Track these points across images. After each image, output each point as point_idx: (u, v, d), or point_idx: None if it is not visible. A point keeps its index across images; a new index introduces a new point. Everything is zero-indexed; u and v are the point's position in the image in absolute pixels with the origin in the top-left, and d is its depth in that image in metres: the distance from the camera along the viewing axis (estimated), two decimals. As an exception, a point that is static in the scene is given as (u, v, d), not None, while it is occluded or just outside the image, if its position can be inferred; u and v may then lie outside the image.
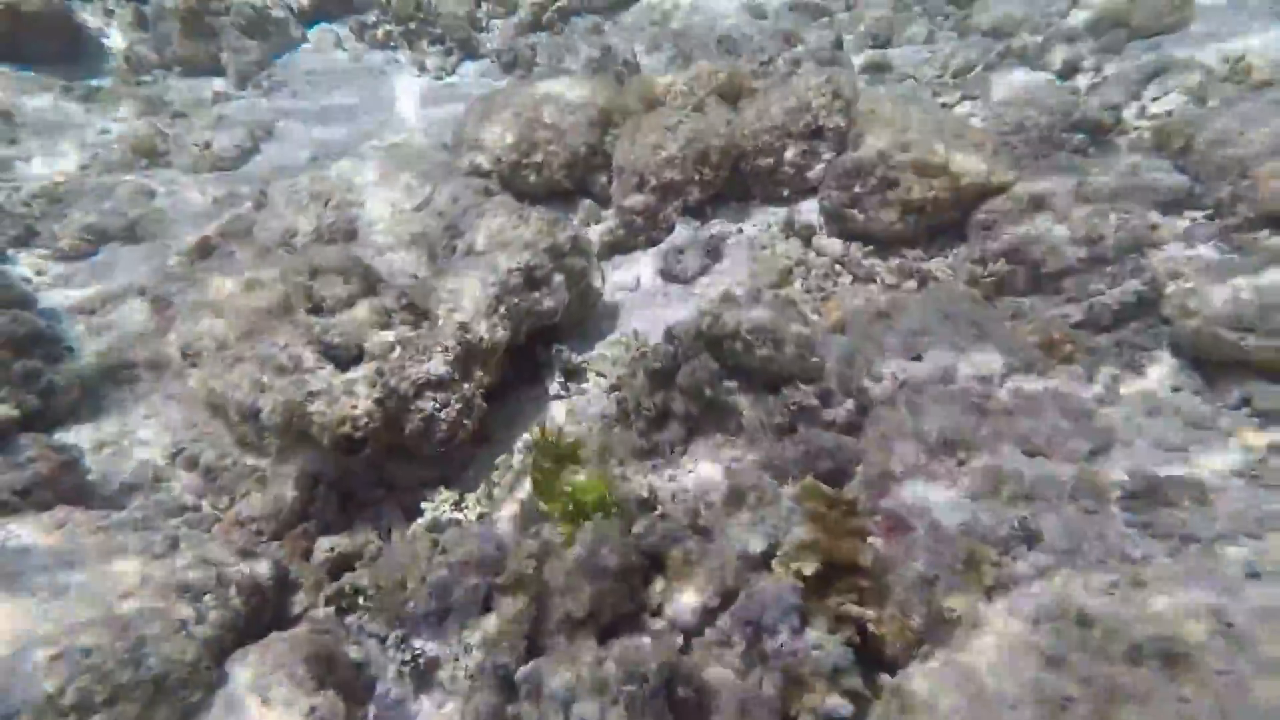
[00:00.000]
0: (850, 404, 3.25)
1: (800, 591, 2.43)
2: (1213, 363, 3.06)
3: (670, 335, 3.42)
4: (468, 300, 3.12)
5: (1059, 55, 4.67)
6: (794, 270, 4.20)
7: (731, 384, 3.54)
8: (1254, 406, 2.90)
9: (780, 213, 4.35)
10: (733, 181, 4.33)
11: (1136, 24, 4.65)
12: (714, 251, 4.20)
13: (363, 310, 3.23)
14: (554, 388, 3.72)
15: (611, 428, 3.48)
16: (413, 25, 6.41)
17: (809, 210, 4.31)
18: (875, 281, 4.08)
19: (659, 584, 2.90)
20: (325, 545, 3.29)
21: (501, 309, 3.18)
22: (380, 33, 6.42)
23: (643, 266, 4.28)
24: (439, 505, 3.29)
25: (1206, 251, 3.39)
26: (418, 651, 2.51)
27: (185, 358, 2.94)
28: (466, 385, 3.13)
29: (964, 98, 4.80)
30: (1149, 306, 3.35)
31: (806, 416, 3.29)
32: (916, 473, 3.00)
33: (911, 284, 4.01)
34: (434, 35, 6.34)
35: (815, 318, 3.95)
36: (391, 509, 3.35)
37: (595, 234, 4.43)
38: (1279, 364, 2.87)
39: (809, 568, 2.44)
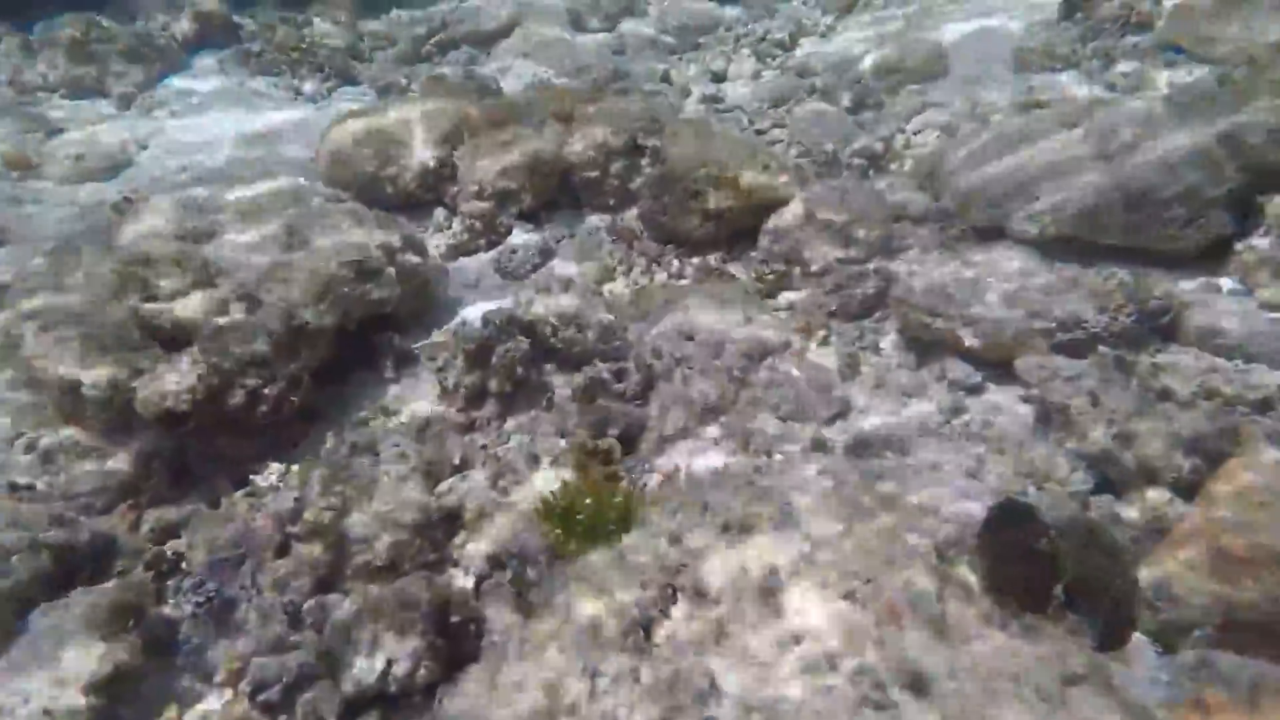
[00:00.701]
0: (638, 378, 3.76)
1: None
2: (923, 342, 3.73)
3: (485, 320, 3.85)
4: (297, 290, 3.46)
5: (848, 94, 5.47)
6: (617, 269, 4.74)
7: (549, 365, 4.06)
8: (948, 377, 3.56)
9: (608, 219, 4.90)
10: (565, 192, 4.85)
11: (908, 70, 5.51)
12: (546, 252, 4.68)
13: (195, 298, 3.51)
14: (387, 372, 4.08)
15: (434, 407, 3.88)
16: (295, 55, 6.73)
17: (631, 217, 4.87)
18: (684, 278, 4.67)
19: (460, 536, 3.30)
20: (154, 516, 3.50)
21: (330, 297, 3.53)
22: (263, 61, 6.71)
23: (481, 265, 4.73)
24: (266, 477, 3.57)
25: (931, 255, 4.11)
26: (211, 593, 2.77)
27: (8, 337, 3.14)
28: (292, 365, 3.44)
29: (774, 125, 5.52)
30: (885, 299, 4.03)
31: (603, 389, 3.78)
32: (686, 434, 3.52)
33: (714, 280, 4.60)
34: (314, 64, 6.68)
35: (631, 309, 4.48)
36: (221, 482, 3.59)
37: (445, 238, 4.85)
38: (958, 341, 3.55)
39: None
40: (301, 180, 4.58)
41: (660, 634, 1.86)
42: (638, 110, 4.71)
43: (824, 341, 3.96)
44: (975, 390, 3.53)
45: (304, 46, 6.72)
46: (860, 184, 4.59)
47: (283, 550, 2.89)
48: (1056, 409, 3.10)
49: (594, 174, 4.74)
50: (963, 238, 4.14)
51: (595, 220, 4.99)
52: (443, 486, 3.35)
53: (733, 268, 4.64)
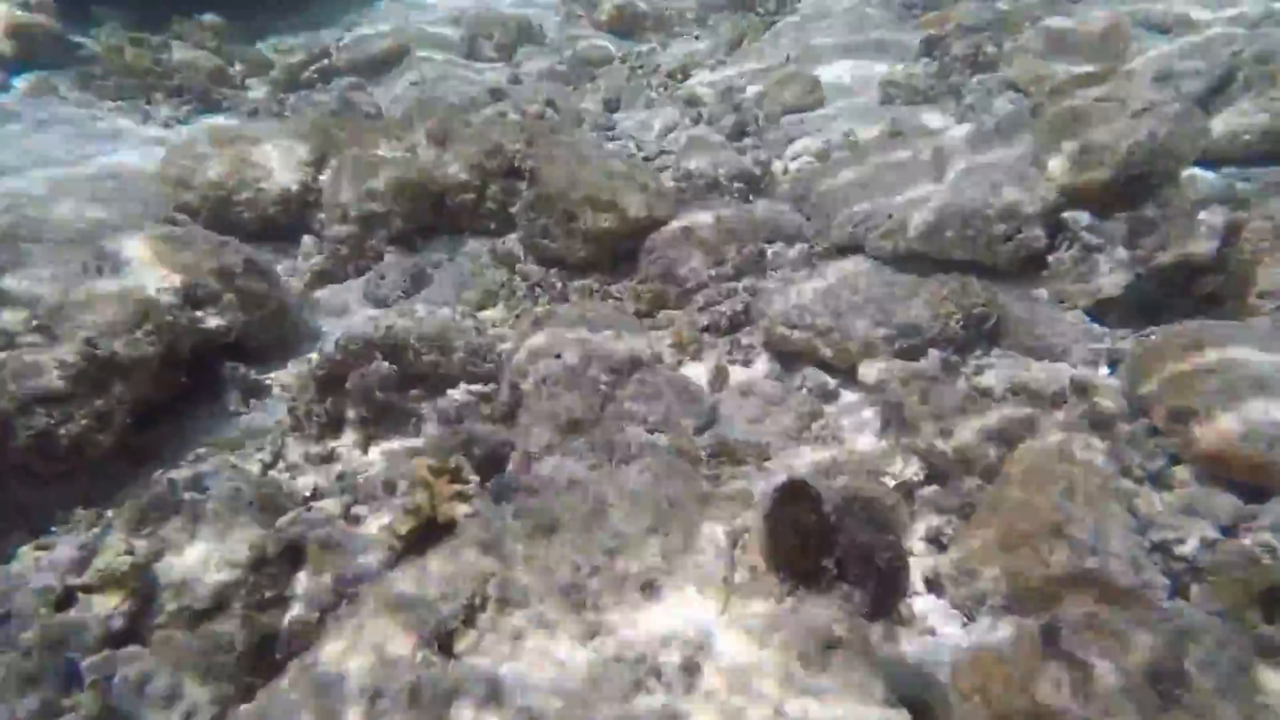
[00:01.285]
0: (506, 398, 3.58)
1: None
2: (786, 353, 3.74)
3: (337, 344, 3.59)
4: (101, 317, 3.11)
5: (730, 120, 5.59)
6: (498, 293, 4.58)
7: (415, 390, 3.83)
8: (807, 385, 3.58)
9: (488, 244, 4.74)
10: (444, 217, 4.67)
11: (787, 101, 5.71)
12: (418, 277, 4.47)
13: None
14: (233, 404, 3.72)
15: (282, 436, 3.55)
16: (149, 79, 6.30)
17: (512, 241, 4.74)
18: (567, 301, 4.55)
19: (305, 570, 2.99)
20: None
21: (147, 325, 3.19)
22: (110, 84, 6.24)
23: (350, 293, 4.45)
24: (73, 525, 3.13)
25: (797, 273, 4.17)
26: None
27: None
28: (99, 401, 3.07)
29: (660, 152, 5.56)
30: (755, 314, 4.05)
31: (469, 411, 3.57)
32: (552, 450, 3.35)
33: (594, 302, 4.50)
34: (170, 88, 6.28)
35: (510, 330, 4.31)
36: (16, 535, 3.12)
37: (311, 265, 4.56)
38: (815, 351, 3.58)
39: (404, 528, 2.64)
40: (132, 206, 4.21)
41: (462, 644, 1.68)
42: (514, 132, 4.62)
43: (695, 356, 3.91)
44: (831, 396, 3.56)
45: (159, 70, 6.30)
46: (735, 206, 4.63)
47: (64, 604, 2.50)
48: (894, 409, 3.16)
49: (470, 197, 4.59)
50: (827, 255, 4.23)
51: (475, 245, 4.83)
52: (284, 520, 3.03)
53: (615, 289, 4.57)
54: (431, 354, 3.62)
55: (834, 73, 6.02)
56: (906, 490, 3.06)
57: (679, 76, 6.64)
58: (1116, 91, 3.50)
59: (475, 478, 2.91)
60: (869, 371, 3.40)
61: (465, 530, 2.02)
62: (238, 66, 6.94)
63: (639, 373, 3.66)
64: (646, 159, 5.56)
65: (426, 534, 2.77)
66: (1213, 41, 4.25)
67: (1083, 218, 3.54)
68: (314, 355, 4.04)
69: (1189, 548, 2.59)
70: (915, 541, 2.91)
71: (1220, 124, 3.84)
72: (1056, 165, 3.60)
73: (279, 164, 4.55)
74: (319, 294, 4.51)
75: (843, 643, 1.61)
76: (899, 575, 1.91)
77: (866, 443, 3.36)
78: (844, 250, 4.21)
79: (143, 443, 3.51)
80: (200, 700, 2.22)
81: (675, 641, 1.62)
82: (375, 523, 3.13)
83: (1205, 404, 2.76)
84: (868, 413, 3.49)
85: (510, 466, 3.36)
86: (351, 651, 1.72)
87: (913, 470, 3.12)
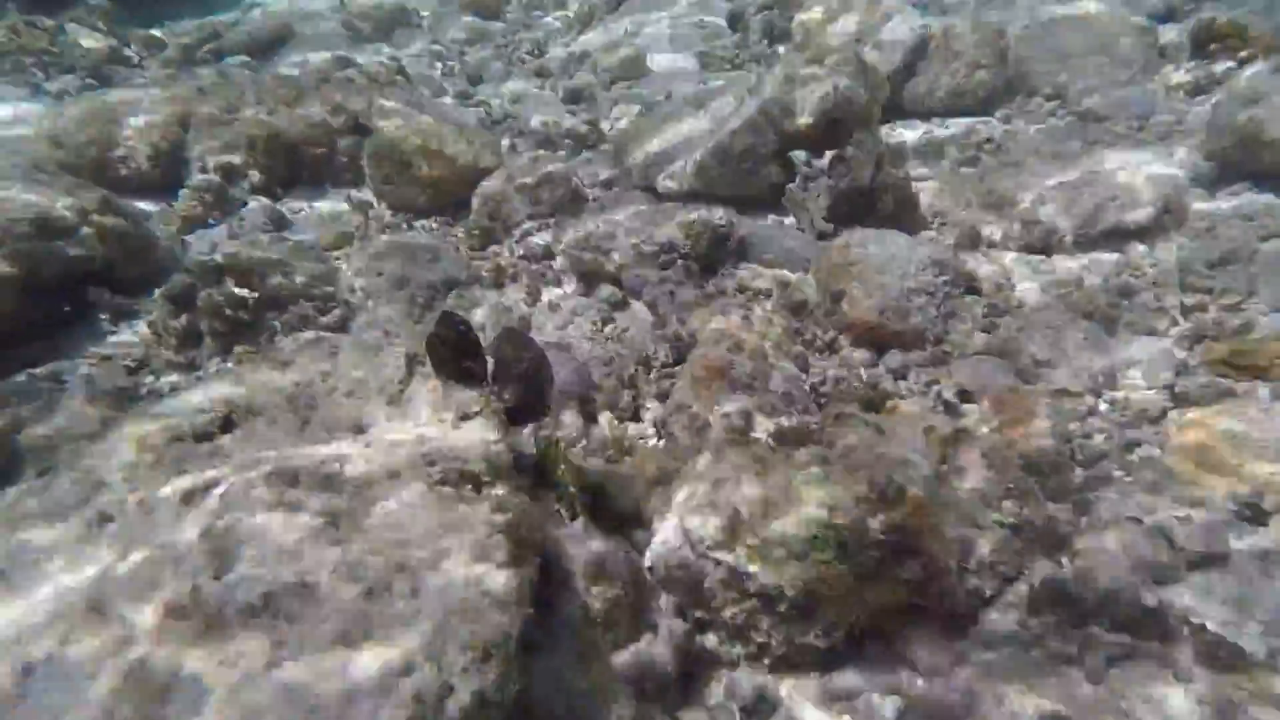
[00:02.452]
0: (339, 312, 4.26)
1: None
2: (586, 274, 4.52)
3: (186, 269, 4.21)
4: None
5: (566, 84, 6.34)
6: (354, 234, 5.23)
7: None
8: (601, 298, 4.37)
9: (344, 193, 5.38)
10: (300, 171, 5.29)
11: (618, 70, 6.48)
12: (278, 221, 5.08)
13: None
14: (104, 326, 4.30)
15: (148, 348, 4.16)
16: (45, 58, 6.66)
17: (366, 191, 5.39)
18: (413, 241, 5.23)
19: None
20: None
21: (5, 250, 3.76)
22: (5, 62, 6.57)
23: (217, 236, 5.04)
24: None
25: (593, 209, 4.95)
26: None
27: None
28: (-42, 318, 3.63)
29: (505, 116, 6.26)
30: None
31: (308, 323, 4.24)
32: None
33: (436, 242, 5.20)
34: (63, 66, 6.65)
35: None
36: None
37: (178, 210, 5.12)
38: (598, 268, 4.38)
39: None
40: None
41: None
42: (357, 93, 5.25)
43: (513, 279, 4.66)
44: (620, 306, 4.35)
45: (54, 50, 6.67)
46: (553, 156, 5.38)
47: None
48: (649, 305, 3.98)
49: (320, 150, 5.21)
50: (625, 195, 5.03)
51: (333, 195, 5.46)
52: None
53: (456, 230, 5.27)
54: (275, 277, 4.26)
55: (661, 46, 6.81)
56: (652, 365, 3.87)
57: (535, 53, 7.33)
58: (821, 58, 4.37)
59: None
60: (627, 278, 4.22)
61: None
62: (134, 48, 7.30)
63: (456, 289, 4.40)
64: (495, 121, 6.25)
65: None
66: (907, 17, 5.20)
67: (801, 155, 4.41)
68: (176, 283, 4.64)
69: (827, 386, 3.48)
70: (651, 400, 3.74)
71: (921, 85, 4.76)
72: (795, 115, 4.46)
73: (146, 125, 5.08)
74: (190, 237, 5.07)
75: (477, 414, 2.32)
76: (540, 380, 2.62)
77: (635, 333, 4.16)
78: (643, 190, 5.02)
79: (19, 354, 4.06)
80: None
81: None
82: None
83: (848, 287, 3.66)
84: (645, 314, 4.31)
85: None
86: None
87: (663, 354, 3.95)
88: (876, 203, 4.16)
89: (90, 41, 7.13)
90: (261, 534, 1.60)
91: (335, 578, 1.53)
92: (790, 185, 4.54)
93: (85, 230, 4.07)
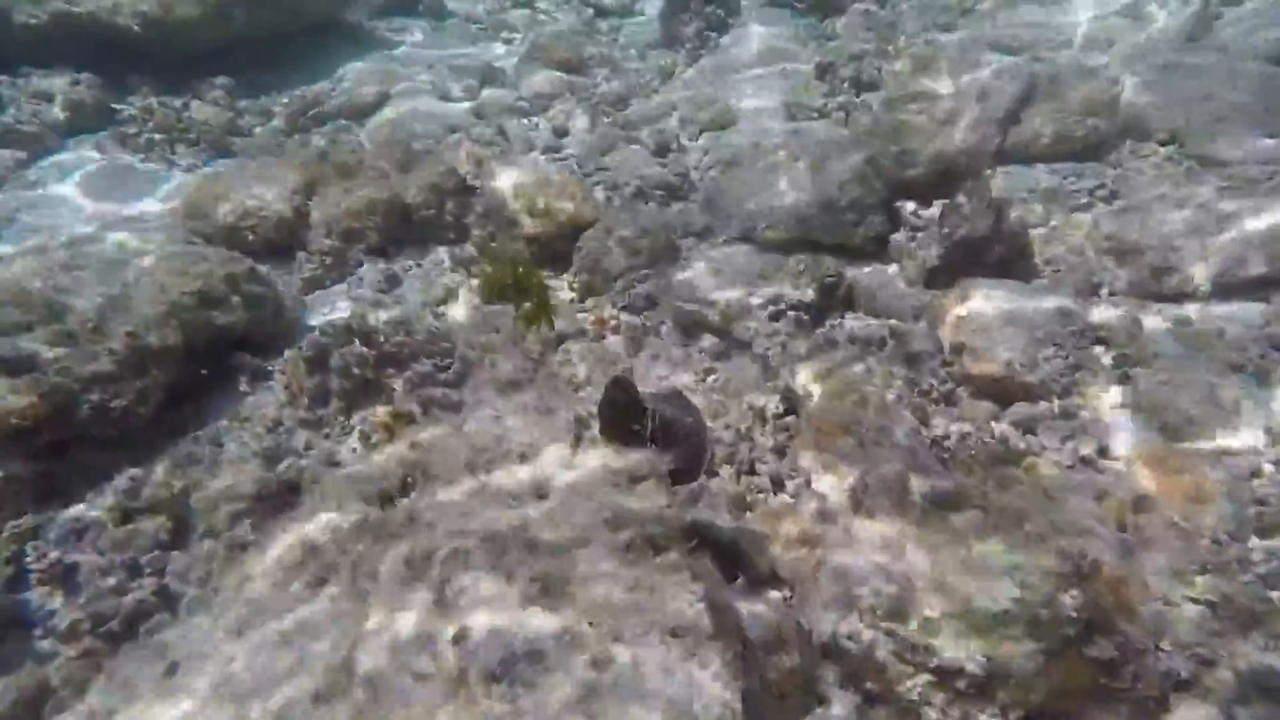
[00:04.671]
0: (457, 368, 4.54)
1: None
2: (686, 325, 4.68)
3: (321, 330, 4.57)
4: (138, 316, 4.12)
5: (654, 139, 6.63)
6: (459, 290, 5.58)
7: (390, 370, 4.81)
8: (703, 348, 4.52)
9: (450, 250, 5.76)
10: (409, 229, 5.70)
11: (704, 121, 6.75)
12: (393, 279, 5.47)
13: (40, 331, 4.09)
14: (242, 386, 4.70)
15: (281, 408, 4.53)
16: (174, 133, 7.43)
17: (470, 247, 5.75)
18: (517, 296, 5.54)
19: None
20: (12, 524, 3.95)
21: (174, 322, 4.20)
22: (142, 140, 7.36)
23: (337, 296, 5.46)
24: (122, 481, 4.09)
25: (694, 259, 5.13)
26: (54, 560, 3.30)
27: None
28: (139, 381, 4.05)
29: (597, 169, 6.59)
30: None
31: (428, 380, 4.53)
32: (488, 403, 4.32)
33: (538, 296, 5.49)
34: (190, 140, 7.39)
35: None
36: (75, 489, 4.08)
37: (301, 274, 5.58)
38: (705, 320, 4.53)
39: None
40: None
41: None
42: (466, 154, 5.66)
43: (615, 330, 4.87)
44: (722, 356, 4.49)
45: (181, 125, 7.43)
46: (650, 208, 5.63)
47: (125, 520, 3.46)
48: (762, 359, 4.09)
49: (431, 212, 5.61)
50: (725, 244, 5.21)
51: (440, 252, 5.84)
52: (283, 465, 3.99)
53: (553, 283, 5.56)
54: (400, 335, 4.59)
55: (747, 96, 7.06)
56: (766, 417, 3.97)
57: (618, 105, 7.70)
58: (929, 107, 4.48)
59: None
60: (740, 330, 4.36)
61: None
62: (246, 119, 8.06)
63: (566, 343, 4.64)
64: (586, 175, 6.58)
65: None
66: (1020, 62, 5.24)
67: (908, 206, 4.50)
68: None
69: (951, 441, 3.50)
70: (768, 455, 3.82)
71: (1027, 130, 4.81)
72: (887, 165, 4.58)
73: (274, 196, 5.59)
74: (310, 298, 5.51)
75: (645, 478, 2.49)
76: (699, 441, 2.79)
77: (744, 389, 4.28)
78: (741, 240, 5.20)
79: (173, 419, 4.48)
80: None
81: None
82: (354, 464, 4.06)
83: (968, 339, 3.69)
84: (752, 367, 4.42)
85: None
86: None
87: (773, 406, 4.05)
88: (989, 252, 4.19)
89: (209, 114, 7.90)
90: (485, 600, 1.76)
91: (559, 646, 1.67)
92: (895, 235, 4.62)
93: (235, 298, 4.50)
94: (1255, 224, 3.64)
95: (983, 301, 3.71)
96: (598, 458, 2.42)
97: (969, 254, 4.25)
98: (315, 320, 5.36)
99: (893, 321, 4.17)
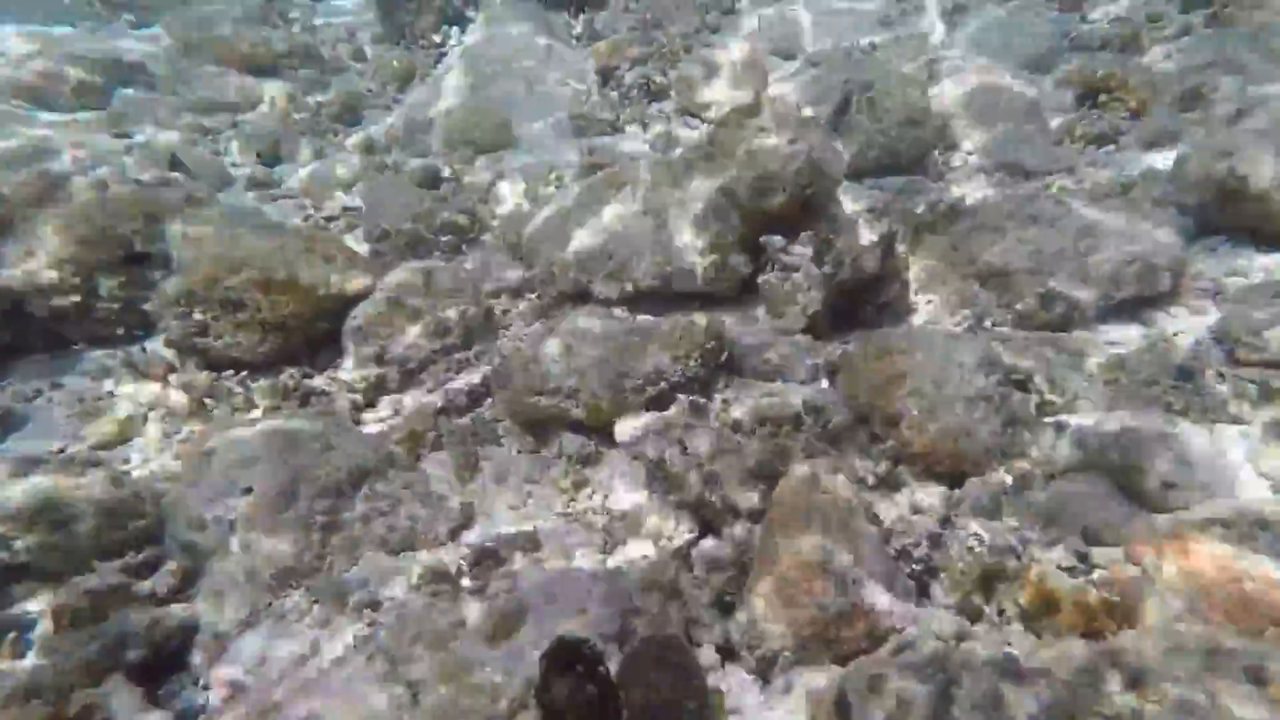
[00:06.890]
0: (175, 564, 2.75)
1: None
2: (535, 422, 3.51)
3: None
4: None
5: (420, 170, 5.19)
6: (146, 417, 3.58)
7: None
8: (564, 452, 3.38)
9: (117, 354, 3.69)
10: (25, 331, 3.50)
11: (477, 141, 5.50)
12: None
13: None
14: None
15: None
16: None
17: (160, 345, 3.76)
18: (257, 408, 3.74)
19: None
20: None
21: None
22: None
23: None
24: None
25: (531, 330, 3.96)
26: None
27: None
28: None
29: (343, 209, 4.93)
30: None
31: (116, 598, 2.67)
32: (255, 620, 2.66)
33: (293, 403, 3.77)
34: None
35: (175, 464, 3.40)
36: None
37: None
38: (564, 416, 3.42)
39: None
40: None
41: None
42: (127, 209, 3.67)
43: (436, 446, 3.47)
44: (591, 461, 3.40)
45: None
46: (447, 263, 4.26)
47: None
48: (655, 465, 3.11)
49: (71, 300, 3.52)
50: (556, 305, 4.09)
51: (99, 358, 3.72)
52: None
53: (319, 381, 3.88)
54: (38, 534, 2.63)
55: (517, 105, 5.95)
56: (683, 554, 2.99)
57: (345, 118, 6.01)
58: (768, 122, 3.89)
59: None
60: (622, 430, 3.31)
61: None
62: None
63: (366, 483, 3.09)
64: (328, 219, 4.89)
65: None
66: (826, 73, 5.06)
67: (777, 240, 3.88)
68: None
69: (921, 550, 2.88)
70: (701, 609, 2.83)
71: (849, 143, 4.57)
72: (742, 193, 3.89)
73: None
74: None
75: None
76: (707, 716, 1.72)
77: (635, 501, 3.25)
78: (573, 297, 4.11)
79: None
80: None
81: None
82: None
83: (903, 407, 3.15)
84: (630, 470, 3.39)
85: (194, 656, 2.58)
86: None
87: (684, 529, 3.09)
88: (881, 292, 3.76)
89: None
90: None
91: None
92: (764, 276, 3.97)
93: None
94: (1113, 239, 3.69)
95: (908, 358, 3.20)
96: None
97: (856, 297, 3.78)
98: None
99: (795, 391, 3.47)
